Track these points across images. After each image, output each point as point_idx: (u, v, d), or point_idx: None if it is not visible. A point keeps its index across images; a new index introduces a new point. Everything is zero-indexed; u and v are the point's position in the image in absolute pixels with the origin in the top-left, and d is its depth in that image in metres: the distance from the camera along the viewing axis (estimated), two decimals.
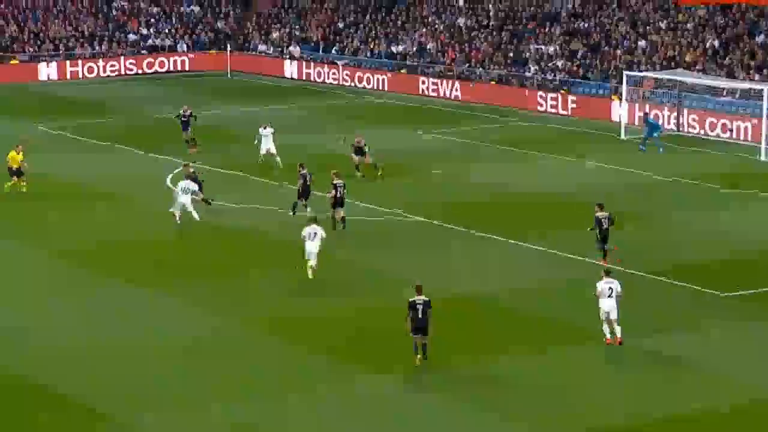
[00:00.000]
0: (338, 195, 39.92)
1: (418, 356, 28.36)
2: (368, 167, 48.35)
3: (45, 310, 33.23)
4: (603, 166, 51.73)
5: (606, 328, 29.70)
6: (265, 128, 50.70)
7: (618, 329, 29.55)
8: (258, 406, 26.50)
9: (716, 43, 66.15)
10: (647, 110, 59.68)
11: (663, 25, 69.69)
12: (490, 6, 79.37)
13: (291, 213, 41.68)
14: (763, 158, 53.94)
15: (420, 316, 28.06)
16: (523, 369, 28.72)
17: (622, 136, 58.78)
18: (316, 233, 34.65)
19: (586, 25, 73.23)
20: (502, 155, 54.70)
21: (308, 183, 41.74)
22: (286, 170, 48.03)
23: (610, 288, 29.56)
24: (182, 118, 55.38)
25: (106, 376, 28.22)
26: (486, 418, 26.17)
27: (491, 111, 67.48)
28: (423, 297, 28.23)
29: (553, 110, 66.75)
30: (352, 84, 77.83)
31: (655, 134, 55.98)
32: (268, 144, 50.20)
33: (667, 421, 25.74)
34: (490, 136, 59.54)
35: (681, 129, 60.72)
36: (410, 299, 28.30)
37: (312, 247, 34.56)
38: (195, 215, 40.54)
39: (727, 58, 64.60)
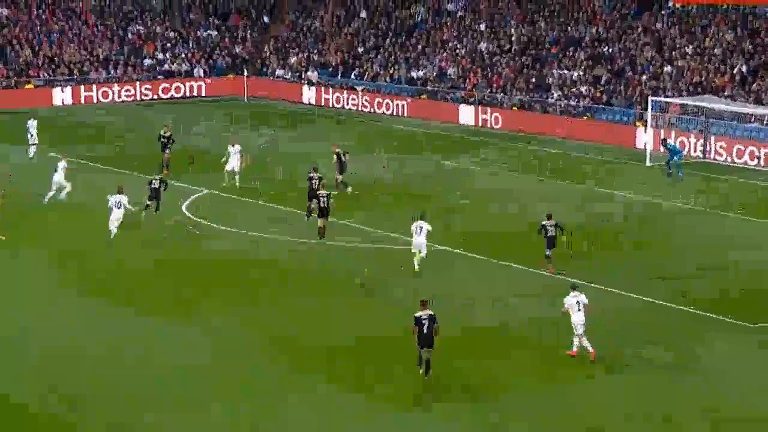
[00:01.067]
0: (321, 205, 40.76)
1: (422, 370, 28.31)
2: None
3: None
4: (626, 195, 50.61)
5: (576, 341, 29.94)
6: (233, 146, 50.90)
7: (587, 343, 29.76)
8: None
9: (744, 68, 64.49)
10: (665, 135, 58.19)
11: (689, 50, 68.05)
12: (513, 30, 77.91)
13: (306, 219, 42.75)
14: None
15: (425, 331, 28.11)
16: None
17: (648, 163, 57.53)
18: (422, 228, 37.09)
19: (610, 50, 71.64)
20: (523, 182, 53.56)
21: (315, 187, 42.69)
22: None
23: (577, 302, 29.98)
24: (161, 139, 54.16)
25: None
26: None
27: (513, 137, 66.29)
28: (428, 311, 28.26)
29: (577, 136, 65.17)
30: (372, 110, 76.42)
31: (674, 158, 54.53)
32: (233, 162, 50.38)
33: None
34: (511, 163, 58.56)
35: (707, 156, 59.21)
36: (415, 314, 28.30)
37: (419, 240, 37.07)
38: (114, 230, 40.88)
39: (755, 84, 62.95)
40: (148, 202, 43.33)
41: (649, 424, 26.00)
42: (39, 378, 28.42)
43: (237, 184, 49.96)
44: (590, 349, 29.67)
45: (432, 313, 28.15)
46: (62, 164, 47.15)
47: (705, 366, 29.66)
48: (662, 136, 58.09)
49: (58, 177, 46.65)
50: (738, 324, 32.72)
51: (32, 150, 57.14)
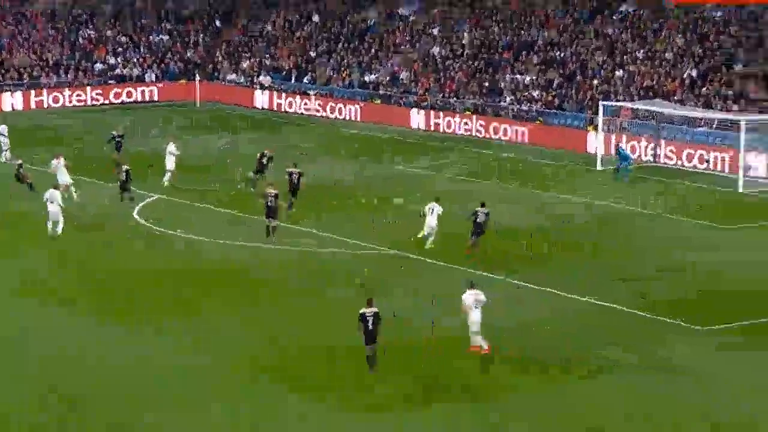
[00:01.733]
0: (269, 204, 41.06)
1: (372, 367, 28.73)
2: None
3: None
4: (582, 198, 50.97)
5: (479, 339, 30.05)
6: (171, 144, 51.56)
7: (482, 340, 29.94)
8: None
9: (694, 73, 65.31)
10: (618, 141, 58.89)
11: (640, 54, 68.80)
12: (465, 34, 78.34)
13: (288, 208, 44.01)
14: (740, 190, 53.24)
15: (370, 327, 28.54)
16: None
17: (598, 167, 58.00)
18: (433, 209, 40.20)
19: (562, 54, 72.25)
20: (476, 187, 53.43)
21: (295, 182, 44.60)
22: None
23: (476, 300, 30.11)
24: (116, 139, 55.79)
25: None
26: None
27: (466, 141, 66.52)
28: (373, 309, 28.69)
29: (529, 141, 65.64)
30: (324, 114, 76.47)
31: (623, 163, 55.25)
32: (170, 161, 50.90)
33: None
34: (464, 167, 58.73)
35: (658, 160, 59.87)
36: (360, 311, 28.67)
37: (431, 221, 40.12)
38: (59, 227, 41.36)
39: (704, 88, 63.77)
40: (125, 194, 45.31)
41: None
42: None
43: (164, 182, 50.11)
44: (485, 345, 29.93)
45: (377, 310, 28.59)
46: (57, 162, 47.81)
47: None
48: (615, 141, 58.77)
49: (62, 175, 46.92)
50: (696, 326, 32.99)
51: (7, 154, 57.59)
